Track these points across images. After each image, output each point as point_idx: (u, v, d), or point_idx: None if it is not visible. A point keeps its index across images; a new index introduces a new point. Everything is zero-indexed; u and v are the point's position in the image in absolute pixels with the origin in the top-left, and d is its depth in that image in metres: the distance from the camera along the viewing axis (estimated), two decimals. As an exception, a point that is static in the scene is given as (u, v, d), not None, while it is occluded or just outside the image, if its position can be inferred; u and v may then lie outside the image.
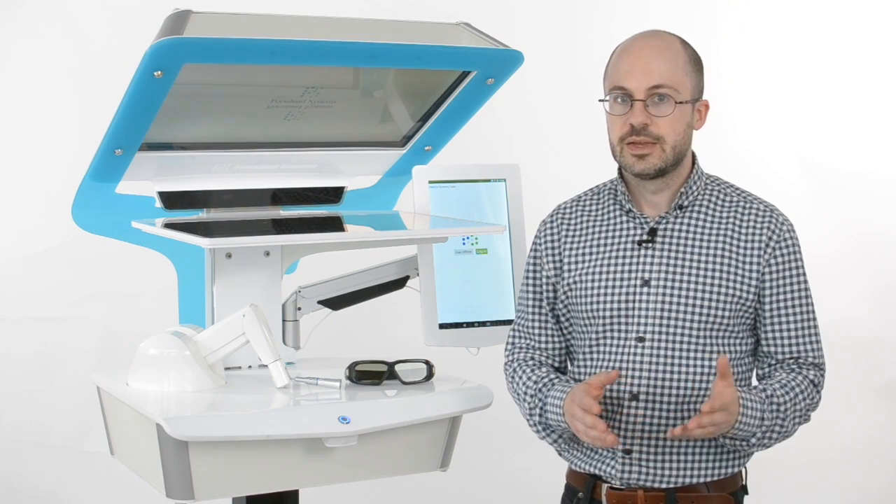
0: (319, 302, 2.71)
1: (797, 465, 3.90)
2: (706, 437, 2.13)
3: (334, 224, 2.65)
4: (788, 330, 2.21)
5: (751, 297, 2.19)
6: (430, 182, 2.64)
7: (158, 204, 2.56)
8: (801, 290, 2.22)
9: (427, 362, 2.52)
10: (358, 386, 2.47)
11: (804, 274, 2.23)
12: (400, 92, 2.69)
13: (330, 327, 2.75)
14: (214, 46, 2.28)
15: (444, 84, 2.64)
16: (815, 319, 2.24)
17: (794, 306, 2.21)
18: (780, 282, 2.21)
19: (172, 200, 2.56)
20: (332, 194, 2.74)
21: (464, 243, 2.65)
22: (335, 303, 2.73)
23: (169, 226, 2.40)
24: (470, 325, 2.63)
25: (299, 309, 2.69)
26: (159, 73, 2.25)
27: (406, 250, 2.71)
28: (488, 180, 2.70)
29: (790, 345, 2.22)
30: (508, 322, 2.64)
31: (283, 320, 2.67)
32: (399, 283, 2.75)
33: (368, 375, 2.49)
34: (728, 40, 4.07)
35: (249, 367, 2.59)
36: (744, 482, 2.27)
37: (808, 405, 2.20)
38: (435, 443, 2.45)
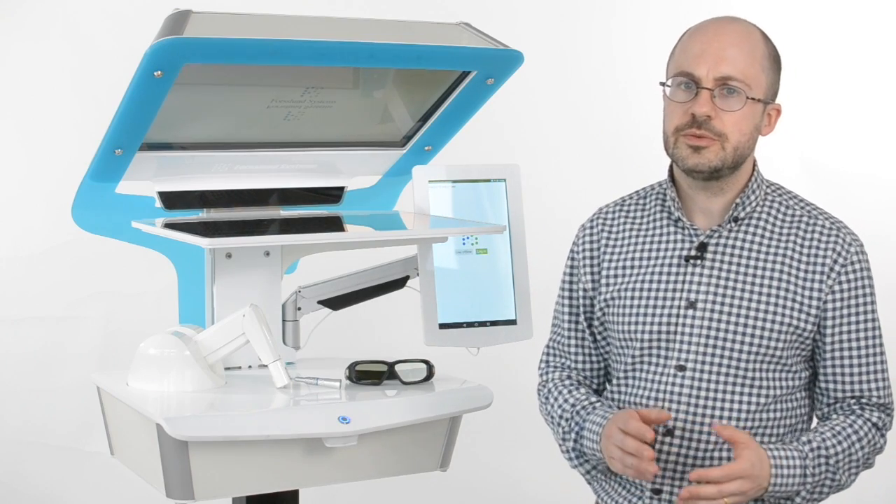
0: (319, 302, 2.71)
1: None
2: None
3: (334, 224, 2.65)
4: (851, 366, 1.98)
5: (809, 326, 1.97)
6: (430, 182, 2.64)
7: (158, 204, 2.56)
8: (869, 322, 1.99)
9: (427, 362, 2.52)
10: (358, 386, 2.47)
11: (873, 303, 2.01)
12: (400, 92, 2.69)
13: (330, 327, 2.75)
14: (214, 46, 2.28)
15: (444, 84, 2.63)
16: (882, 354, 2.01)
17: (858, 339, 1.98)
18: (845, 311, 1.98)
19: (172, 200, 2.56)
20: (332, 194, 2.74)
21: (464, 243, 2.65)
22: (335, 303, 2.73)
23: (169, 226, 2.40)
24: (470, 325, 2.63)
25: (299, 309, 2.69)
26: (159, 73, 2.24)
27: (406, 250, 2.71)
28: (488, 180, 2.70)
29: (852, 382, 1.99)
30: (508, 322, 2.64)
31: (283, 320, 2.67)
32: (399, 283, 2.75)
33: (368, 375, 2.49)
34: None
35: (249, 367, 2.59)
36: None
37: (868, 452, 1.98)
38: (435, 443, 2.45)
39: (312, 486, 2.38)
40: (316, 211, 2.73)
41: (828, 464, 1.94)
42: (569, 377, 2.15)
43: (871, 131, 4.06)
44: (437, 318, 2.60)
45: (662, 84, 2.01)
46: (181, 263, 2.66)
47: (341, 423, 2.27)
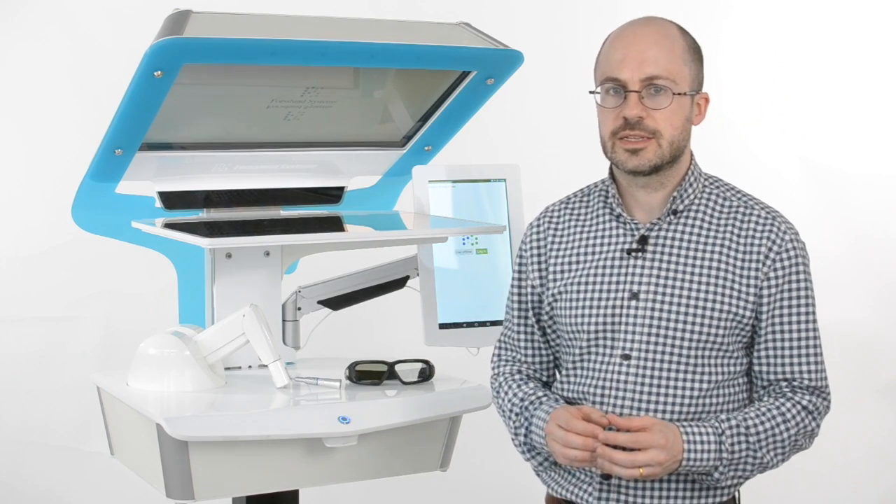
0: (319, 302, 2.72)
1: (797, 467, 3.89)
2: (649, 478, 1.96)
3: (334, 224, 2.65)
4: (783, 349, 2.04)
5: (748, 313, 2.03)
6: (430, 182, 2.65)
7: (158, 204, 2.56)
8: (802, 307, 2.05)
9: (427, 362, 2.52)
10: (358, 386, 2.47)
11: (807, 289, 2.05)
12: (400, 92, 2.69)
13: (330, 327, 2.75)
14: (214, 46, 2.28)
15: (444, 84, 2.64)
16: (815, 339, 2.06)
17: (790, 324, 2.04)
18: (778, 296, 2.03)
19: (172, 200, 2.56)
20: (332, 194, 2.74)
21: (464, 243, 2.65)
22: (335, 303, 2.73)
23: (169, 226, 2.40)
24: (470, 325, 2.63)
25: (299, 309, 2.69)
26: (159, 73, 2.25)
27: (406, 250, 2.71)
28: (488, 180, 2.70)
29: (783, 365, 2.05)
30: (508, 322, 2.64)
31: (283, 320, 2.67)
32: (399, 283, 2.75)
33: (368, 375, 2.49)
34: (728, 40, 4.07)
35: (249, 367, 2.60)
36: None
37: (797, 433, 2.02)
38: (435, 443, 2.45)
39: (312, 486, 2.38)
40: (316, 211, 2.73)
41: (748, 441, 1.99)
42: (519, 371, 2.20)
43: (871, 131, 4.06)
44: (437, 318, 2.60)
45: (592, 93, 2.07)
46: (181, 263, 2.67)
47: (341, 423, 2.27)
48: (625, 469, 1.94)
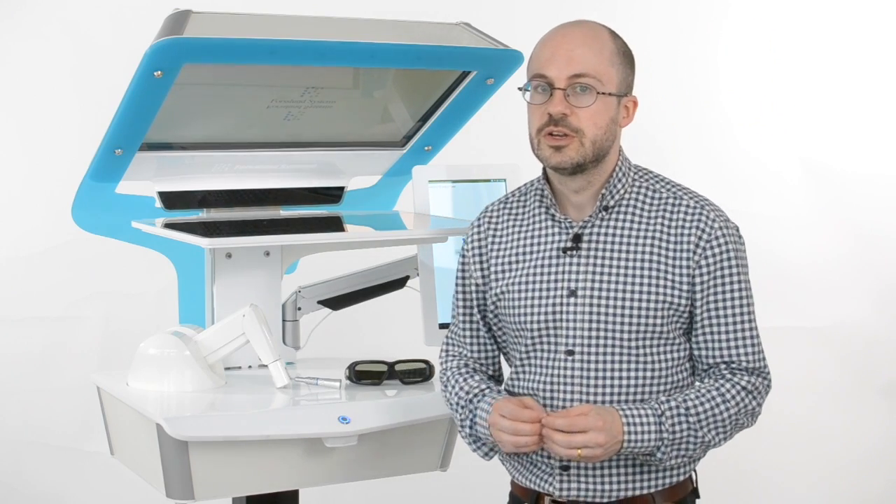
0: (319, 302, 2.72)
1: (798, 466, 3.90)
2: (591, 460, 2.02)
3: (334, 224, 2.65)
4: (719, 333, 2.09)
5: (683, 301, 2.08)
6: (430, 182, 2.64)
7: (158, 204, 2.56)
8: (736, 292, 2.09)
9: (427, 362, 2.52)
10: (358, 386, 2.48)
11: (740, 273, 2.09)
12: (400, 92, 2.69)
13: (330, 327, 2.75)
14: (214, 46, 2.28)
15: (444, 84, 2.64)
16: (751, 322, 2.10)
17: (725, 308, 2.08)
18: (711, 282, 2.07)
19: (172, 200, 2.56)
20: (332, 194, 2.74)
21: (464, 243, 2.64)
22: (335, 303, 2.73)
23: (169, 226, 2.40)
24: (470, 325, 2.63)
25: (299, 309, 2.69)
26: (159, 73, 2.25)
27: (406, 250, 2.71)
28: (488, 180, 2.70)
29: (720, 349, 2.09)
30: (508, 322, 2.64)
31: (283, 320, 2.67)
32: (399, 283, 2.75)
33: (368, 375, 2.49)
34: (728, 40, 4.07)
35: (249, 367, 2.60)
36: (694, 486, 2.17)
37: (737, 413, 2.07)
38: (435, 443, 2.46)
39: (312, 486, 2.38)
40: (316, 211, 2.74)
41: (689, 422, 2.04)
42: (465, 365, 2.24)
43: (871, 131, 4.06)
44: (437, 318, 2.60)
45: (520, 89, 2.12)
46: (181, 263, 2.67)
47: (341, 423, 2.27)
48: (563, 449, 1.99)
